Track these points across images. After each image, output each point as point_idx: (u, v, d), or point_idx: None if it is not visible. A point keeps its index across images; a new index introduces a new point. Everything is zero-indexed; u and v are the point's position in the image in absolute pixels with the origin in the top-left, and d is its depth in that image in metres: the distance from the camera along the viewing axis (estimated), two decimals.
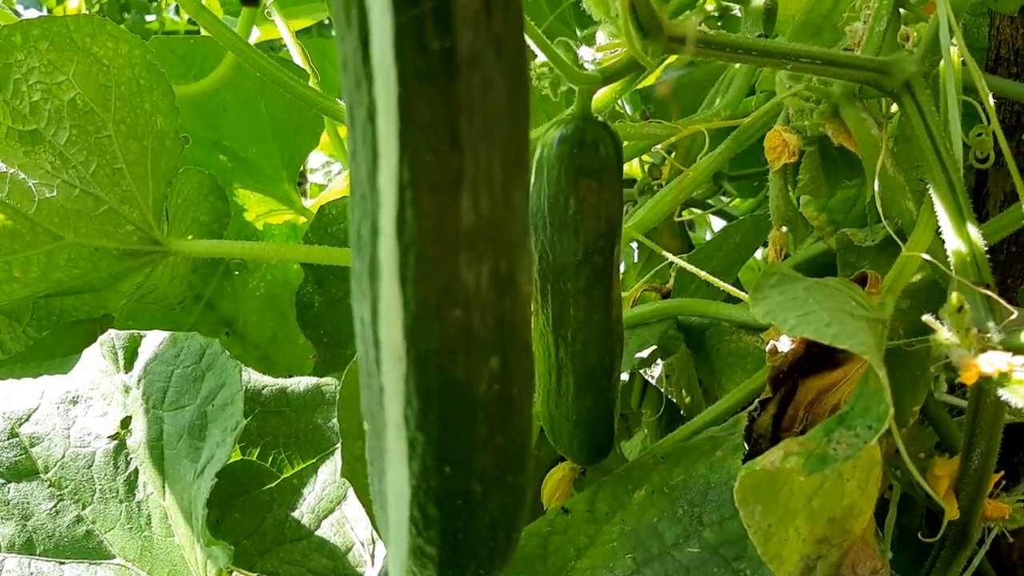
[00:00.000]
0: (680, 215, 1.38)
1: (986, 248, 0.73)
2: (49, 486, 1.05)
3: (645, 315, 1.16)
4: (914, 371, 0.82)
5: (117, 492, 1.05)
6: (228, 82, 1.54)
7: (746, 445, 0.84)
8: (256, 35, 2.05)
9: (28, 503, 1.04)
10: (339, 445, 1.10)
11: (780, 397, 0.82)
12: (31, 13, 3.64)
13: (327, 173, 2.44)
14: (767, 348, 0.83)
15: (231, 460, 1.06)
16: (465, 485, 0.48)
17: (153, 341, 1.11)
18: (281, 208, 1.75)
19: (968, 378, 0.63)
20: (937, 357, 0.68)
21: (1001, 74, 1.05)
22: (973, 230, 0.73)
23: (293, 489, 1.12)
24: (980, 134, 0.85)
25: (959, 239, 0.73)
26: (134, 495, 1.04)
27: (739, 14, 1.27)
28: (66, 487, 1.05)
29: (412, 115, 0.40)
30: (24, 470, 1.05)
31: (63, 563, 1.02)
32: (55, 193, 1.13)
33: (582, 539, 0.85)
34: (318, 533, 1.09)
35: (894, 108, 0.87)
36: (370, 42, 0.40)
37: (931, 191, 0.76)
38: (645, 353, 1.18)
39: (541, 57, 0.80)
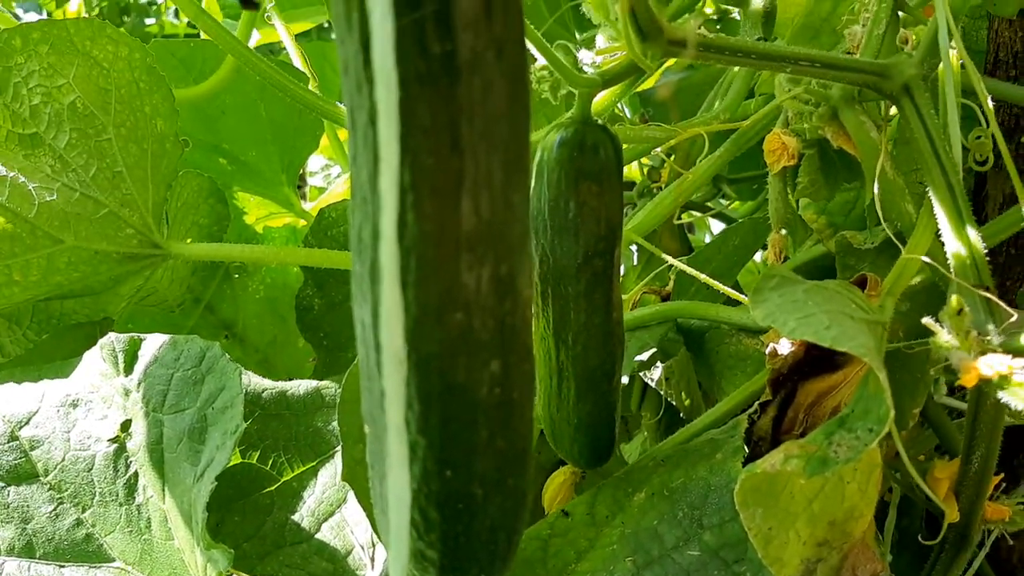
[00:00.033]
0: (679, 218, 1.38)
1: (985, 250, 0.73)
2: (49, 489, 1.05)
3: (645, 318, 1.16)
4: (914, 373, 0.82)
5: (117, 495, 1.05)
6: (228, 85, 1.54)
7: (746, 448, 0.84)
8: (256, 38, 2.05)
9: (28, 506, 1.04)
10: (339, 448, 1.10)
11: (780, 400, 0.82)
12: (31, 16, 3.65)
13: (326, 176, 2.44)
14: (767, 351, 0.83)
15: (231, 463, 1.06)
16: (466, 488, 0.48)
17: (153, 344, 1.11)
18: (281, 211, 1.75)
19: (967, 381, 0.63)
20: (937, 360, 0.68)
21: (1000, 77, 1.05)
22: (972, 233, 0.73)
23: (293, 492, 1.12)
24: (979, 137, 0.85)
25: (958, 242, 0.73)
26: (134, 498, 1.04)
27: (738, 17, 1.28)
28: (66, 490, 1.05)
29: (413, 118, 0.40)
30: (24, 473, 1.05)
31: (63, 566, 1.02)
32: (55, 196, 1.13)
33: (582, 542, 0.85)
34: (318, 536, 1.09)
35: (893, 111, 0.87)
36: (371, 46, 0.40)
37: (930, 194, 0.76)
38: (645, 356, 1.18)
39: (541, 60, 0.80)
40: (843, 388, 0.80)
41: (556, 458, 0.99)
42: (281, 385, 1.17)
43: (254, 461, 1.12)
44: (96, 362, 1.13)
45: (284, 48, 1.47)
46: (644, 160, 1.42)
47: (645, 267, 1.43)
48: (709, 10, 1.34)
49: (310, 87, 1.29)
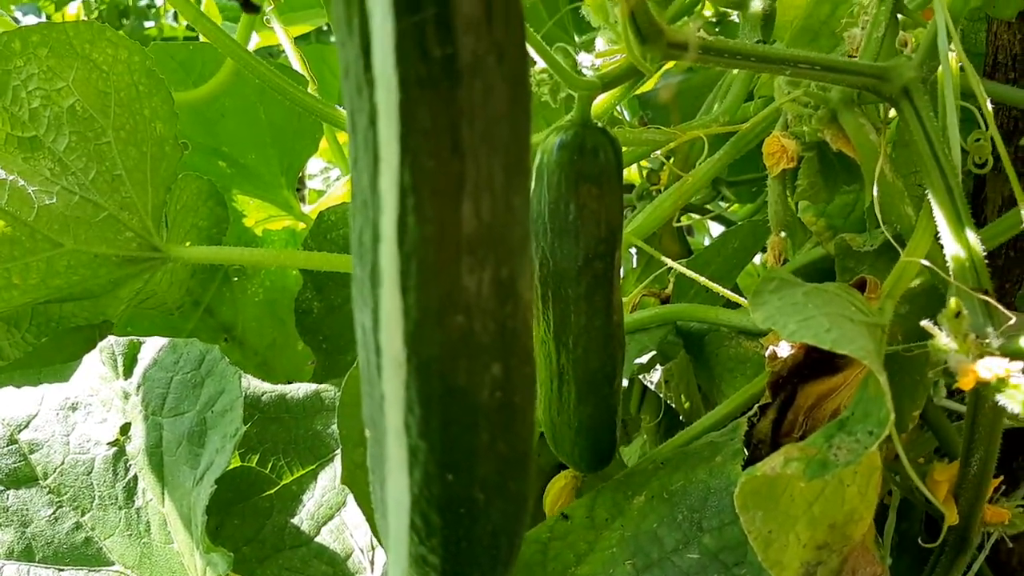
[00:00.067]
0: (679, 220, 1.38)
1: (984, 253, 0.73)
2: (48, 493, 1.04)
3: (644, 320, 1.16)
4: (913, 376, 0.82)
5: (116, 499, 1.05)
6: (227, 88, 1.55)
7: (746, 451, 0.84)
8: (255, 41, 2.05)
9: (27, 510, 1.03)
10: (338, 451, 1.10)
11: (780, 402, 0.82)
12: (30, 19, 3.65)
13: (326, 179, 2.44)
14: (766, 353, 0.83)
15: (230, 466, 1.06)
16: (467, 493, 0.48)
17: (152, 347, 1.11)
18: (280, 214, 1.75)
19: (965, 384, 0.63)
20: (936, 362, 0.68)
21: (999, 79, 1.05)
22: (971, 235, 0.73)
23: (292, 495, 1.12)
24: (978, 139, 0.85)
25: (957, 244, 0.73)
26: (133, 502, 1.04)
27: (737, 20, 1.28)
28: (65, 494, 1.05)
29: (413, 121, 0.40)
30: (23, 477, 1.05)
31: (62, 570, 1.01)
32: (54, 200, 1.13)
33: (582, 545, 0.85)
34: (317, 539, 1.09)
35: (892, 113, 0.87)
36: (371, 49, 0.40)
37: (929, 196, 0.76)
38: (644, 359, 1.18)
39: (540, 63, 0.81)
40: (843, 391, 0.80)
41: (556, 461, 0.99)
42: (280, 388, 1.17)
43: (253, 464, 1.12)
44: (95, 365, 1.13)
45: (283, 51, 1.48)
46: (643, 163, 1.42)
47: (645, 270, 1.43)
48: (708, 13, 1.34)
49: (309, 90, 1.29)
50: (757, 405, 0.84)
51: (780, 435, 0.83)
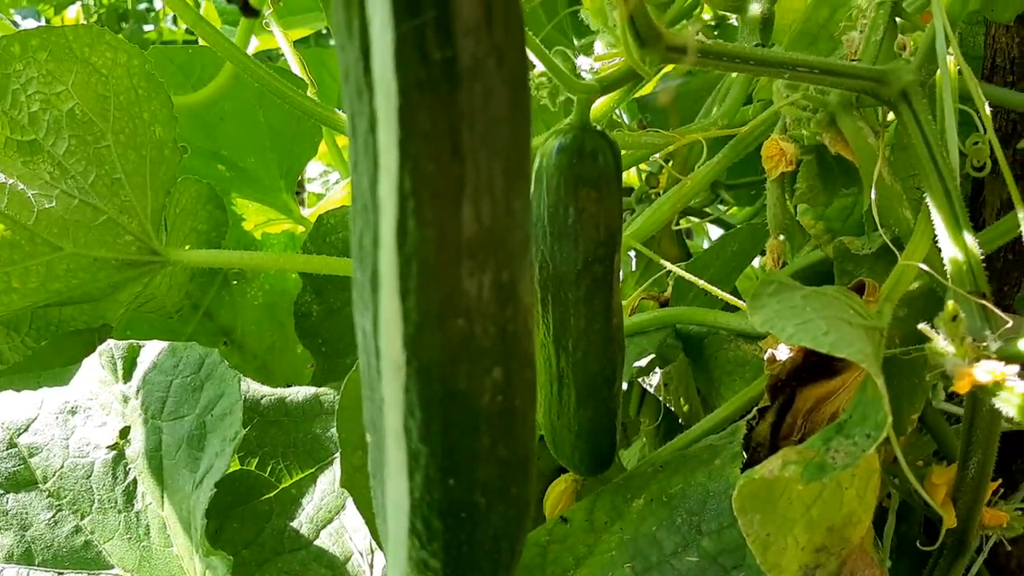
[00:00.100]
0: (678, 223, 1.38)
1: (983, 256, 0.73)
2: (48, 496, 1.04)
3: (643, 324, 1.16)
4: (912, 379, 0.82)
5: (116, 502, 1.05)
6: (226, 92, 1.55)
7: (744, 454, 0.84)
8: (254, 45, 2.05)
9: (27, 513, 1.03)
10: (338, 455, 1.10)
11: (778, 405, 0.83)
12: (29, 23, 3.65)
13: (325, 183, 2.44)
14: (765, 356, 0.83)
15: (230, 470, 1.06)
16: (469, 497, 0.47)
17: (152, 351, 1.11)
18: (279, 217, 1.75)
19: (961, 387, 0.63)
20: (934, 366, 0.68)
21: (997, 83, 1.05)
22: (969, 238, 0.73)
23: (292, 499, 1.12)
24: (976, 143, 0.85)
25: (955, 247, 0.73)
26: (133, 505, 1.04)
27: (736, 23, 1.28)
28: (65, 497, 1.05)
29: (413, 125, 0.40)
30: (23, 480, 1.05)
31: (61, 573, 1.01)
32: (54, 203, 1.13)
33: (581, 548, 0.85)
34: (317, 543, 1.09)
35: (891, 117, 0.87)
36: (371, 52, 0.40)
37: (928, 199, 0.76)
38: (643, 362, 1.18)
39: (539, 67, 0.81)
40: (841, 394, 0.80)
41: (556, 465, 0.99)
42: (280, 392, 1.17)
43: (253, 468, 1.12)
44: (95, 369, 1.13)
45: (282, 55, 1.48)
46: (642, 166, 1.42)
47: (644, 273, 1.43)
48: (707, 16, 1.34)
49: (308, 93, 1.29)
50: (756, 408, 0.84)
51: (779, 438, 0.83)
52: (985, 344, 0.66)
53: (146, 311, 1.42)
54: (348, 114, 0.45)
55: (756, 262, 1.40)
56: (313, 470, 1.13)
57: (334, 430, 1.13)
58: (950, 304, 0.66)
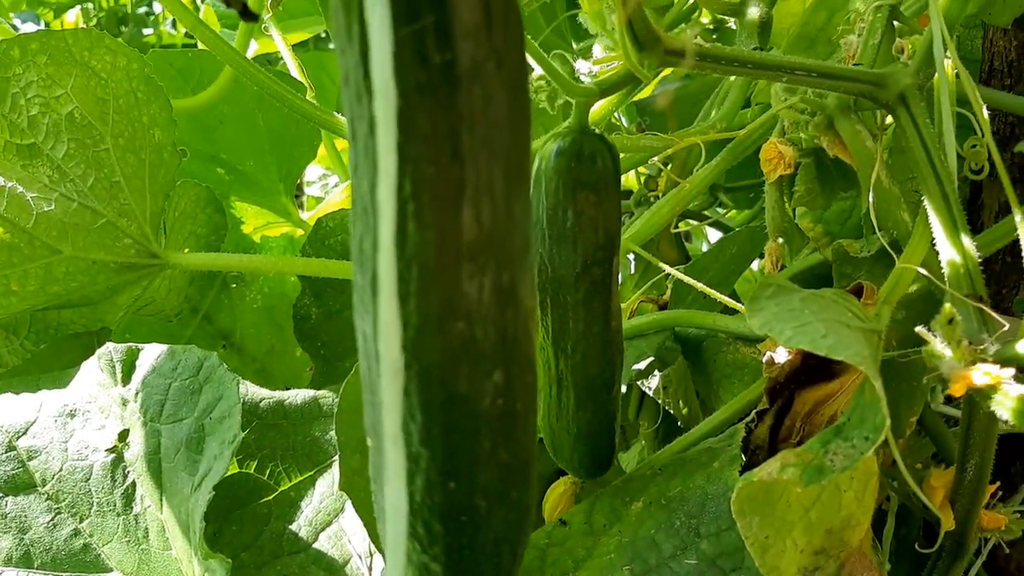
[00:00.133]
0: (677, 227, 1.38)
1: (981, 259, 0.73)
2: (47, 499, 1.04)
3: (642, 326, 1.16)
4: (910, 382, 0.82)
5: (114, 505, 1.05)
6: (226, 95, 1.55)
7: (743, 456, 0.84)
8: (253, 49, 2.05)
9: (26, 516, 1.03)
10: (336, 458, 1.10)
11: (777, 408, 0.83)
12: (29, 27, 3.65)
13: (324, 186, 2.44)
14: (764, 359, 0.83)
15: (228, 473, 1.06)
16: (470, 501, 0.47)
17: (151, 354, 1.11)
18: (278, 221, 1.75)
19: (956, 390, 0.64)
20: (931, 368, 0.68)
21: (995, 86, 1.05)
22: (967, 241, 0.73)
23: (290, 502, 1.12)
24: (974, 146, 0.85)
25: (953, 250, 0.73)
26: (131, 508, 1.04)
27: (734, 27, 1.28)
28: (64, 500, 1.05)
29: (412, 128, 0.40)
30: (22, 483, 1.05)
31: None
32: (53, 207, 1.13)
33: (580, 551, 0.85)
34: (315, 546, 1.09)
35: (889, 120, 0.87)
36: (370, 56, 0.40)
37: (926, 202, 0.77)
38: (642, 364, 1.18)
39: (538, 70, 0.81)
40: (840, 396, 0.80)
41: (555, 467, 0.99)
42: (279, 395, 1.17)
43: (251, 471, 1.12)
44: (94, 372, 1.13)
45: (281, 58, 1.48)
46: (641, 169, 1.42)
47: (643, 276, 1.43)
48: (705, 20, 1.34)
49: (307, 97, 1.29)
50: (755, 411, 0.84)
51: (777, 441, 0.83)
52: (982, 347, 0.66)
53: (145, 314, 1.42)
54: (348, 118, 0.45)
55: (755, 265, 1.40)
56: (312, 473, 1.13)
57: (333, 433, 1.13)
58: (946, 307, 0.66)
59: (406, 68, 0.40)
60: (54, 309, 1.26)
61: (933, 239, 0.75)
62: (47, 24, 3.70)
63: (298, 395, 1.18)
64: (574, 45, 1.76)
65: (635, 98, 1.49)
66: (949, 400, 1.04)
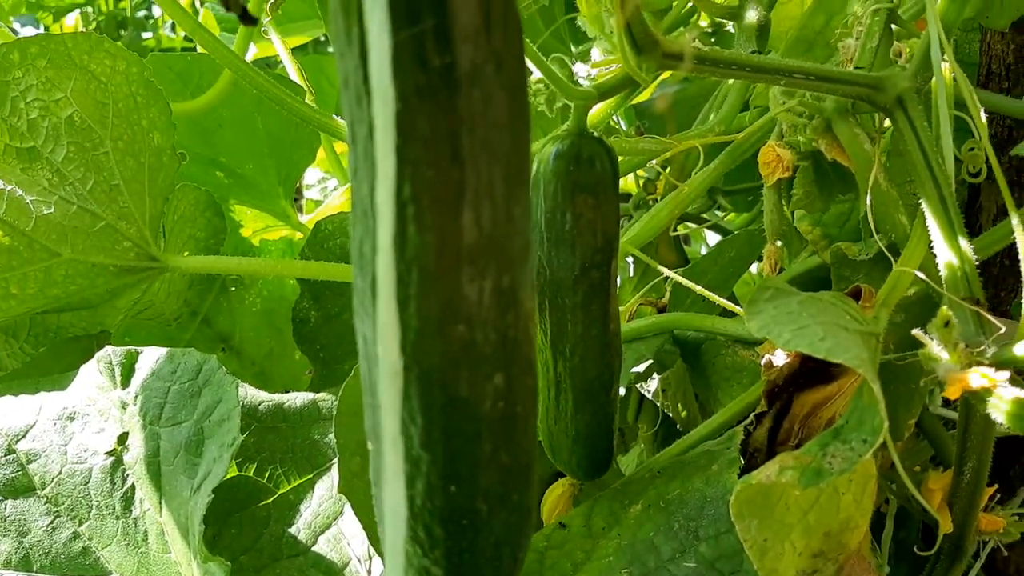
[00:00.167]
0: (675, 230, 1.39)
1: (979, 262, 0.73)
2: (46, 502, 1.04)
3: (641, 329, 1.16)
4: (908, 385, 0.82)
5: (114, 508, 1.05)
6: (225, 99, 1.55)
7: (742, 459, 0.84)
8: (253, 52, 2.05)
9: (25, 519, 1.03)
10: (336, 460, 1.10)
11: (775, 411, 0.83)
12: (28, 31, 3.65)
13: (323, 189, 2.44)
14: (762, 362, 0.83)
15: (228, 476, 1.06)
16: (470, 504, 0.47)
17: (150, 357, 1.11)
18: (277, 224, 1.75)
19: (952, 393, 0.64)
20: (928, 371, 0.68)
21: (992, 89, 1.06)
22: (964, 244, 0.73)
23: (290, 505, 1.12)
24: (972, 149, 0.85)
25: (950, 253, 0.73)
26: (131, 511, 1.04)
27: (732, 30, 1.28)
28: (63, 503, 1.05)
29: (412, 131, 0.40)
30: (21, 486, 1.05)
31: None
32: (52, 210, 1.13)
33: (579, 554, 0.85)
34: (315, 549, 1.09)
35: (887, 123, 0.88)
36: (369, 59, 0.40)
37: (923, 205, 0.77)
38: (641, 367, 1.18)
39: (537, 73, 0.81)
40: (838, 399, 0.80)
41: (553, 469, 0.99)
42: (278, 397, 1.17)
43: (251, 474, 1.12)
44: (93, 375, 1.13)
45: (281, 62, 1.48)
46: (640, 172, 1.42)
47: (641, 279, 1.43)
48: (704, 23, 1.35)
49: (307, 100, 1.29)
50: (753, 414, 0.84)
51: (776, 443, 0.83)
52: (979, 350, 0.66)
53: (144, 318, 1.42)
54: (347, 121, 0.45)
55: (753, 268, 1.40)
56: (311, 476, 1.14)
57: (332, 436, 1.13)
58: (943, 310, 0.66)
59: (405, 71, 0.40)
60: (53, 312, 1.26)
61: (931, 242, 0.76)
62: (46, 28, 3.70)
63: (297, 398, 1.18)
64: (573, 48, 1.76)
65: (633, 101, 1.49)
66: (947, 403, 1.04)
